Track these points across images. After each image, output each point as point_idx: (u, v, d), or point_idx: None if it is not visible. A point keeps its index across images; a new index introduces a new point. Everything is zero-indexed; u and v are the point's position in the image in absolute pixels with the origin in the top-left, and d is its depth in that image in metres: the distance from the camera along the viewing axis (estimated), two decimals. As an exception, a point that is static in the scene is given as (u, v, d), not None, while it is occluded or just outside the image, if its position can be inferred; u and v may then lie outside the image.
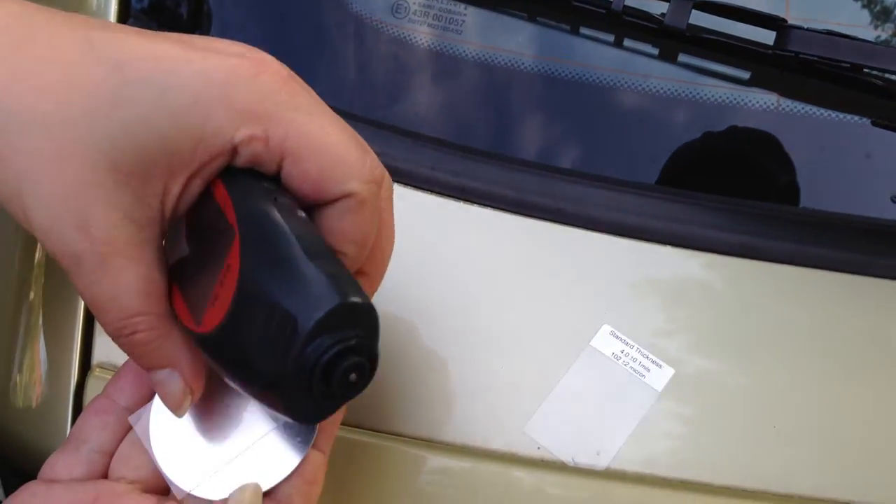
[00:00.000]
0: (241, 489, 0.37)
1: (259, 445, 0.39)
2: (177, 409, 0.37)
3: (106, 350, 0.50)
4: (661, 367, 0.48)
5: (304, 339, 0.32)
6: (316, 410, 0.34)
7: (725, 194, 0.51)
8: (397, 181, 0.51)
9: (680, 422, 0.47)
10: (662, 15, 0.49)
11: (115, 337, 0.35)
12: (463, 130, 0.54)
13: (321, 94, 0.53)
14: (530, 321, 0.49)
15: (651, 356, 0.48)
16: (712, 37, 0.48)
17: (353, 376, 0.33)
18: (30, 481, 0.38)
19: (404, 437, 0.47)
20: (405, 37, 0.54)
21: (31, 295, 0.53)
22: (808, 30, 0.47)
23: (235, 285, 0.33)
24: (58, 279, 0.52)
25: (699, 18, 0.50)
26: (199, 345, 0.35)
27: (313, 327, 0.31)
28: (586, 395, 0.48)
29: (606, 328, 0.49)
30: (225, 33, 0.55)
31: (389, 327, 0.49)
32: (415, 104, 0.55)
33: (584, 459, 0.46)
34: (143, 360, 0.36)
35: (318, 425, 0.39)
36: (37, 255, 0.54)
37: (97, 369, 0.50)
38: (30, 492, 0.37)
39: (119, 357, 0.50)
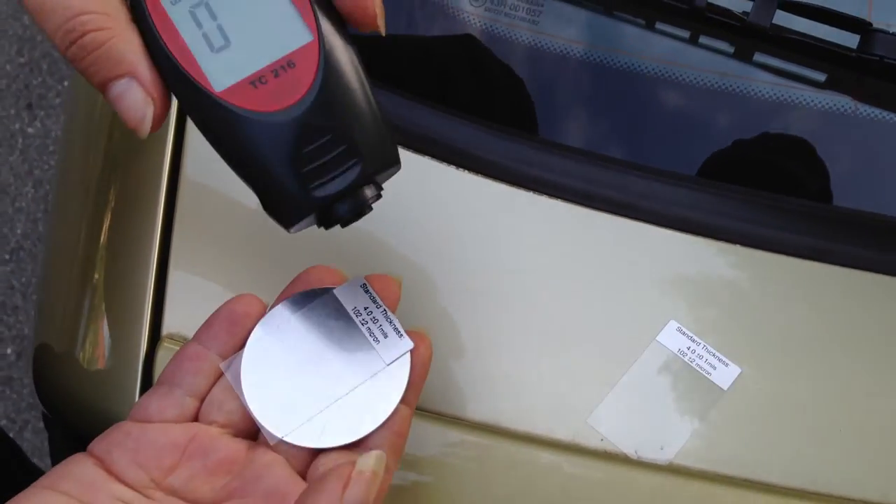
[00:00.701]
0: (366, 456, 0.36)
1: (350, 397, 0.40)
2: (140, 123, 0.34)
3: (176, 323, 0.51)
4: (727, 365, 0.48)
5: (358, 181, 0.36)
6: (295, 220, 0.37)
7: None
8: (468, 169, 0.51)
9: (745, 421, 0.47)
10: (744, 13, 0.49)
11: (66, 46, 0.33)
12: (536, 121, 0.54)
13: (393, 79, 0.54)
14: (597, 313, 0.49)
15: (718, 354, 0.48)
16: (795, 37, 0.48)
17: (348, 221, 0.38)
18: (121, 421, 0.39)
19: (468, 422, 0.48)
20: (481, 25, 0.54)
21: (96, 274, 0.54)
22: (894, 34, 0.47)
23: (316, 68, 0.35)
24: (123, 258, 0.53)
25: (780, 18, 0.50)
26: (232, 118, 0.35)
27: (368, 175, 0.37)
28: (651, 390, 0.48)
29: (673, 324, 0.49)
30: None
31: (457, 314, 0.49)
32: (488, 93, 0.55)
33: (647, 453, 0.47)
34: (98, 69, 0.33)
35: (406, 380, 0.40)
36: (102, 239, 0.55)
37: (167, 340, 0.50)
38: (123, 431, 0.38)
39: (190, 330, 0.51)
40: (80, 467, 0.37)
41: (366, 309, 0.42)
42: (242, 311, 0.41)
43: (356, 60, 0.36)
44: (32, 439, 1.33)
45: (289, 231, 0.38)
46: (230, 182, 0.52)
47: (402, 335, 0.41)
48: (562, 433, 0.47)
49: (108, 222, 0.55)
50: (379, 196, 0.38)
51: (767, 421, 0.47)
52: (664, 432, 0.47)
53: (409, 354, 0.41)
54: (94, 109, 0.61)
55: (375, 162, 0.36)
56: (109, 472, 0.37)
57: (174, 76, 0.35)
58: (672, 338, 0.49)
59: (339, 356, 0.41)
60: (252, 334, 0.41)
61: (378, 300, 0.42)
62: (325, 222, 0.38)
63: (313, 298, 0.42)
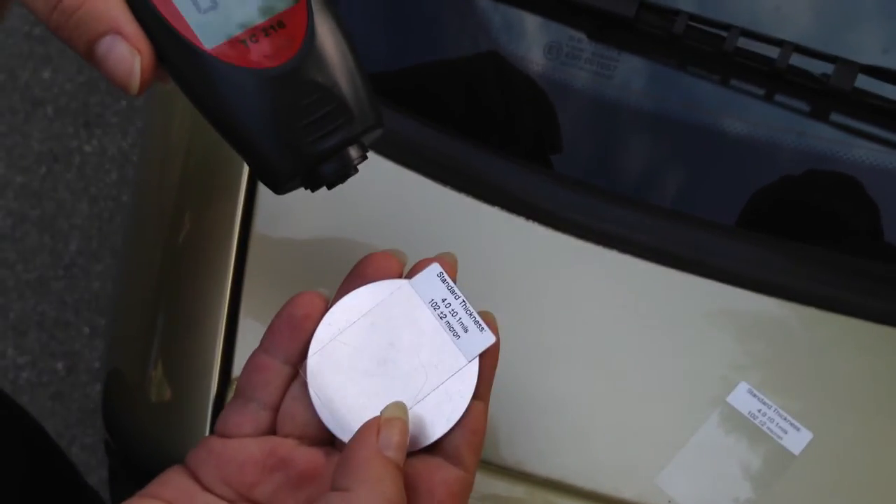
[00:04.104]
0: (389, 405, 0.37)
1: (424, 400, 0.38)
2: (129, 77, 0.34)
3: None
4: (798, 430, 0.47)
5: (350, 138, 0.37)
6: (287, 177, 0.37)
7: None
8: (537, 221, 0.52)
9: (818, 487, 0.46)
10: (824, 75, 0.49)
11: (48, 14, 0.33)
12: (608, 174, 0.54)
13: (467, 130, 0.54)
14: (666, 371, 0.49)
15: (789, 418, 0.48)
16: (877, 101, 0.48)
17: (334, 182, 0.38)
18: (208, 436, 0.40)
19: (534, 477, 0.48)
20: (555, 78, 0.55)
21: (169, 309, 0.55)
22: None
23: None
24: (197, 298, 0.54)
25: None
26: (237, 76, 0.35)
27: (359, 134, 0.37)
28: (720, 452, 0.47)
29: (744, 385, 0.49)
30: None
31: (524, 368, 0.49)
32: (563, 145, 0.55)
33: (716, 517, 0.46)
34: (81, 31, 0.34)
35: (476, 374, 0.38)
36: (174, 274, 0.56)
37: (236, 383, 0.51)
38: (207, 447, 0.39)
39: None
40: (178, 478, 0.38)
41: (444, 301, 0.39)
42: (302, 313, 0.40)
43: (342, 23, 0.37)
44: (80, 454, 1.35)
45: (278, 191, 0.38)
46: (301, 234, 0.53)
47: (483, 328, 0.39)
48: (628, 493, 0.47)
49: (182, 255, 0.56)
50: (364, 157, 0.38)
51: (840, 488, 0.46)
52: (733, 496, 0.46)
53: None
54: (169, 139, 0.62)
55: (365, 121, 0.37)
56: (201, 485, 0.38)
57: (163, 34, 0.35)
58: (743, 399, 0.48)
59: (418, 354, 0.39)
60: (314, 338, 0.39)
61: (456, 290, 0.39)
62: (312, 183, 0.38)
63: (387, 292, 0.40)
